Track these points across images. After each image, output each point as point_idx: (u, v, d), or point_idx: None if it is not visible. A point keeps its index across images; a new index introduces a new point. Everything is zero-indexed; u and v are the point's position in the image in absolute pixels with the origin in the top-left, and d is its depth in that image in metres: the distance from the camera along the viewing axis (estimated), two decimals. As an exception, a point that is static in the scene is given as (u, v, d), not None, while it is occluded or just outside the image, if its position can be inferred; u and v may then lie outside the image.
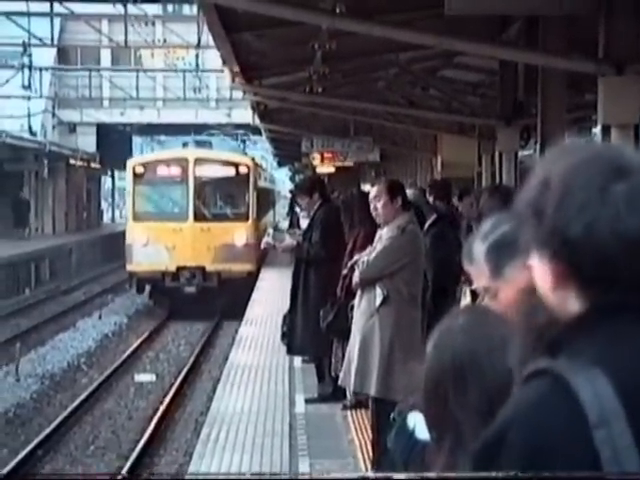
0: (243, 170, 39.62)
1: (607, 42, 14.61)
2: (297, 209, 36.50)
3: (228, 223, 39.03)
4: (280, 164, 75.09)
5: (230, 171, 40.04)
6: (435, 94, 28.11)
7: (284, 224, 48.87)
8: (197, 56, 54.74)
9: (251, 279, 37.15)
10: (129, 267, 38.81)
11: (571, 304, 2.99)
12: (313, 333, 16.74)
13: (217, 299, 37.78)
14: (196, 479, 8.61)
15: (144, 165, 39.64)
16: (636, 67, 14.45)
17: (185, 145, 47.57)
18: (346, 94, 28.12)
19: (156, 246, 37.63)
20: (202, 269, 38.02)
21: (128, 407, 26.05)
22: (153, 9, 50.18)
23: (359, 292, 14.08)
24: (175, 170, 39.18)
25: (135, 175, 39.13)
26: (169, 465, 20.58)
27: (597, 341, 2.95)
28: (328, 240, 17.05)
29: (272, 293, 32.67)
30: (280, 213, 68.78)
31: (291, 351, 18.35)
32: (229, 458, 14.77)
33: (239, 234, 38.34)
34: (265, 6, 16.10)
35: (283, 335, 18.14)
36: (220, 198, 40.78)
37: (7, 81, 56.57)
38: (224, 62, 27.12)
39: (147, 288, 40.61)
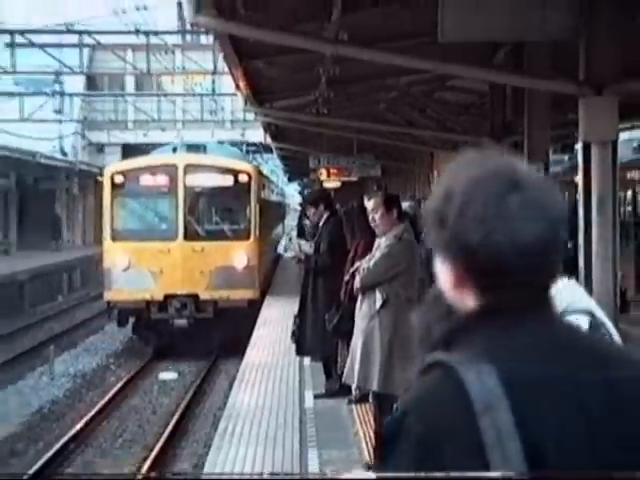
0: (243, 179, 29.95)
1: (587, 66, 14.61)
2: (305, 220, 34.51)
3: (226, 242, 29.54)
4: (290, 179, 75.13)
5: (228, 180, 30.22)
6: (431, 114, 28.11)
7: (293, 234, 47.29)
8: (213, 81, 54.76)
9: (253, 309, 28.51)
10: (107, 296, 29.27)
11: (468, 302, 3.07)
12: (321, 335, 16.87)
13: (213, 333, 28.75)
14: (203, 479, 7.53)
15: (124, 173, 29.71)
16: (614, 88, 14.46)
17: (175, 150, 35.44)
18: (350, 115, 28.14)
19: (139, 270, 28.34)
20: (195, 297, 28.58)
21: (152, 403, 25.68)
22: (173, 39, 50.18)
23: (360, 296, 14.22)
24: (162, 179, 29.51)
25: (114, 185, 29.31)
26: (190, 456, 20.34)
27: (486, 336, 3.01)
28: (334, 250, 17.19)
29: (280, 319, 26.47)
30: (290, 225, 68.27)
31: (300, 352, 18.44)
32: (244, 449, 14.73)
33: (239, 255, 29.01)
34: (274, 36, 16.09)
35: (293, 334, 18.25)
36: (216, 212, 31.12)
37: (41, 106, 56.84)
38: (237, 87, 27.17)
39: (130, 320, 30.94)
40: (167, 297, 28.98)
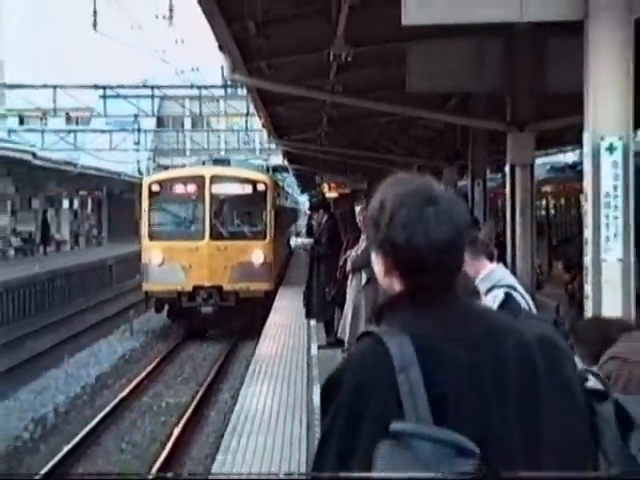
0: (261, 187, 27.14)
1: (512, 111, 14.58)
2: (312, 221, 33.56)
3: (245, 242, 26.57)
4: (302, 191, 75.30)
5: (247, 189, 27.36)
6: (403, 145, 28.06)
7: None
8: (246, 121, 54.46)
9: (269, 298, 26.11)
10: (145, 287, 26.66)
11: (395, 286, 3.05)
12: (322, 303, 17.18)
13: (235, 319, 26.19)
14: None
15: (160, 183, 27.11)
16: (532, 127, 14.43)
17: (204, 163, 33.84)
18: (344, 145, 28.12)
19: (172, 265, 25.78)
20: (219, 288, 25.90)
21: (203, 352, 25.27)
22: (218, 91, 50.19)
23: (350, 276, 14.42)
24: (191, 188, 26.75)
25: (151, 193, 26.65)
26: (229, 389, 20.03)
27: (406, 313, 3.00)
28: (332, 243, 17.43)
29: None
30: (302, 224, 68.60)
31: (308, 315, 18.76)
32: (267, 385, 14.74)
33: (256, 253, 26.21)
34: (289, 88, 16.13)
35: (304, 304, 18.60)
36: (237, 216, 27.84)
37: (124, 139, 56.94)
38: (263, 125, 27.31)
39: (165, 307, 28.21)
40: (195, 288, 26.04)
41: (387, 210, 3.04)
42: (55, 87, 47.01)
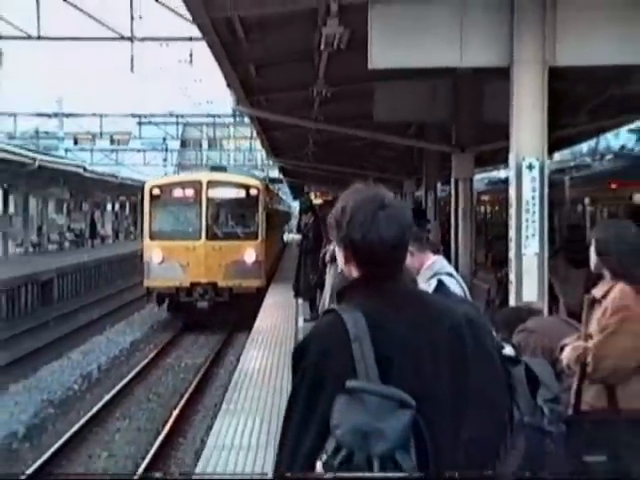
0: (253, 192, 24.04)
1: (457, 136, 14.58)
2: (301, 222, 32.67)
3: (238, 242, 23.44)
4: (294, 198, 75.26)
5: (241, 193, 24.18)
6: (373, 163, 28.01)
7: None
8: (250, 142, 54.51)
9: (260, 294, 22.96)
10: (146, 283, 23.49)
11: (353, 273, 3.04)
12: (308, 286, 17.06)
13: (229, 313, 23.04)
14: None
15: (160, 187, 24.06)
16: (471, 149, 14.43)
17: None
18: (327, 162, 27.98)
19: (171, 263, 22.77)
20: (214, 285, 22.91)
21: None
22: (229, 119, 50.11)
23: (329, 265, 14.19)
24: (189, 192, 23.64)
25: (152, 196, 23.66)
26: (235, 354, 19.35)
27: (361, 295, 2.99)
28: (316, 239, 17.27)
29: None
30: (293, 224, 68.62)
31: (296, 295, 18.61)
32: (263, 351, 14.49)
33: (249, 252, 23.17)
34: (283, 117, 16.06)
35: (293, 287, 18.49)
36: (231, 218, 24.57)
37: (155, 157, 56.88)
38: (263, 146, 27.19)
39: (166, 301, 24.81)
40: (192, 284, 22.77)
41: (347, 213, 3.02)
42: (101, 116, 47.54)
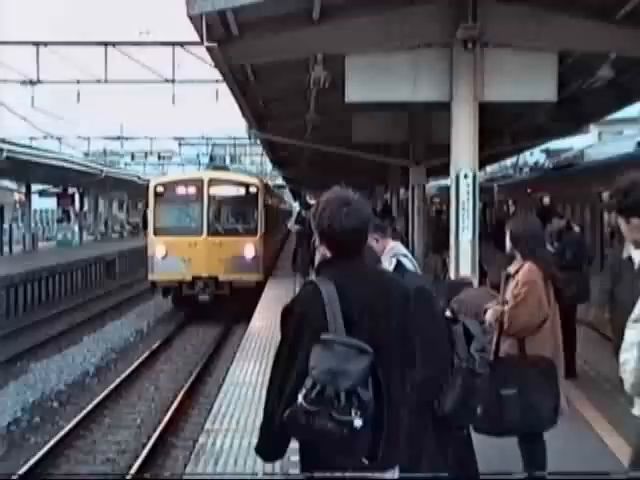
0: (253, 190, 19.84)
1: (413, 153, 14.52)
2: (301, 216, 31.63)
3: (238, 238, 19.30)
4: (295, 199, 74.94)
5: (241, 191, 19.91)
6: (352, 172, 27.55)
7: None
8: (261, 158, 54.32)
9: (259, 288, 18.56)
10: (151, 277, 19.28)
11: (326, 253, 3.01)
12: (303, 263, 16.85)
13: (229, 305, 18.45)
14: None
15: (164, 185, 19.90)
16: (424, 163, 14.39)
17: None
18: (317, 172, 27.79)
19: (174, 258, 18.72)
20: (215, 279, 18.79)
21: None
22: (245, 140, 49.92)
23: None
24: (191, 190, 19.42)
25: (156, 194, 19.45)
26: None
27: (332, 269, 2.96)
28: (309, 229, 17.03)
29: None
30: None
31: (294, 270, 18.36)
32: (267, 318, 12.50)
33: (248, 247, 19.12)
34: (283, 139, 16.04)
35: (292, 263, 18.25)
36: (231, 215, 20.30)
37: (190, 170, 56.97)
38: (270, 160, 27.00)
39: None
40: (195, 278, 18.30)
41: (320, 208, 3.01)
42: (151, 138, 47.95)
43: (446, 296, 6.04)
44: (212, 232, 18.66)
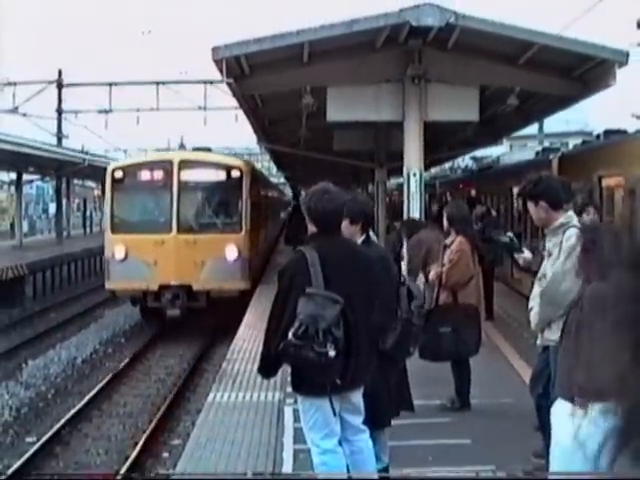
0: (235, 174, 10.12)
1: (377, 158, 14.35)
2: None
3: (218, 235, 9.89)
4: (292, 192, 74.27)
5: (220, 175, 10.18)
6: (334, 172, 27.04)
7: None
8: (269, 163, 54.10)
9: (244, 299, 9.56)
10: (107, 285, 10.03)
11: (313, 229, 2.96)
12: (295, 237, 15.94)
13: (206, 321, 10.19)
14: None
15: (124, 169, 10.03)
16: (386, 165, 14.18)
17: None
18: (309, 173, 27.37)
19: (136, 261, 9.51)
20: (187, 288, 9.56)
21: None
22: (257, 150, 49.55)
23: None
24: (158, 175, 9.75)
25: (114, 180, 9.78)
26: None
27: (316, 241, 2.92)
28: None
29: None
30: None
31: (286, 243, 15.59)
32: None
33: (230, 247, 9.71)
34: (284, 148, 15.79)
35: (284, 237, 17.18)
36: (209, 206, 10.38)
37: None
38: (275, 165, 26.59)
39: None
40: (161, 287, 10.16)
41: (308, 196, 3.02)
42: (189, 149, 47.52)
43: (406, 232, 6.23)
44: (184, 228, 10.56)
